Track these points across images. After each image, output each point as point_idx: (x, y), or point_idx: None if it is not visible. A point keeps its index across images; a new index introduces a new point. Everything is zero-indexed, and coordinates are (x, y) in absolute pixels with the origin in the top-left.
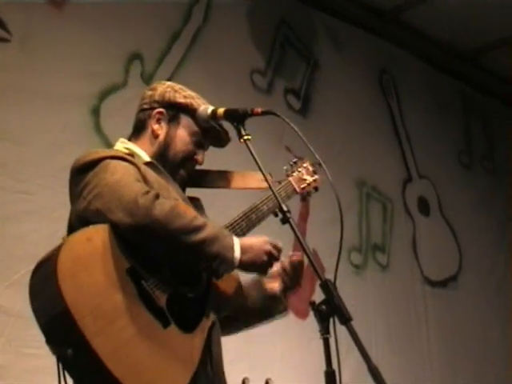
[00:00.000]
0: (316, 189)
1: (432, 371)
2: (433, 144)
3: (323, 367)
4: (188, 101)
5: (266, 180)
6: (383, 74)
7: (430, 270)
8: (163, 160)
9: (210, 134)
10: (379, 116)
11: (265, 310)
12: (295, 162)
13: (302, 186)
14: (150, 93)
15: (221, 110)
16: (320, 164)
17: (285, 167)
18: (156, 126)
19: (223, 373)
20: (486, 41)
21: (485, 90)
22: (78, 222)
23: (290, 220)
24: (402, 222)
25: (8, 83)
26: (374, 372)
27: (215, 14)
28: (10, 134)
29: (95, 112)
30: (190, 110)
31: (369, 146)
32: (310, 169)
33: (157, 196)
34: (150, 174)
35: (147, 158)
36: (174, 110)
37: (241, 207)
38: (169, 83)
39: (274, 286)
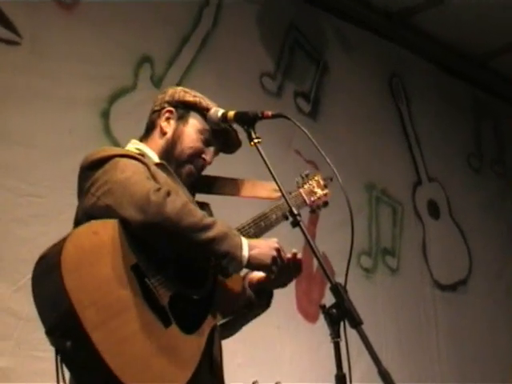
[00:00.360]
0: (326, 203)
1: (441, 374)
2: (443, 147)
3: (333, 371)
4: (197, 99)
5: (278, 184)
6: (393, 77)
7: (439, 273)
8: (170, 156)
9: (220, 135)
10: (389, 119)
11: (252, 306)
12: (307, 175)
13: (313, 199)
14: (161, 96)
15: (231, 113)
16: (332, 179)
17: (296, 179)
18: (164, 124)
19: (222, 377)
20: (496, 44)
21: (495, 93)
22: (84, 218)
23: (301, 223)
24: (412, 226)
25: (17, 85)
26: (384, 375)
27: (225, 17)
28: (19, 137)
29: (105, 115)
30: (199, 108)
31: (378, 149)
32: (322, 182)
33: (168, 193)
34: (160, 174)
35: (157, 159)
36: (184, 109)
37: (248, 215)
38: (180, 87)
39: (262, 277)
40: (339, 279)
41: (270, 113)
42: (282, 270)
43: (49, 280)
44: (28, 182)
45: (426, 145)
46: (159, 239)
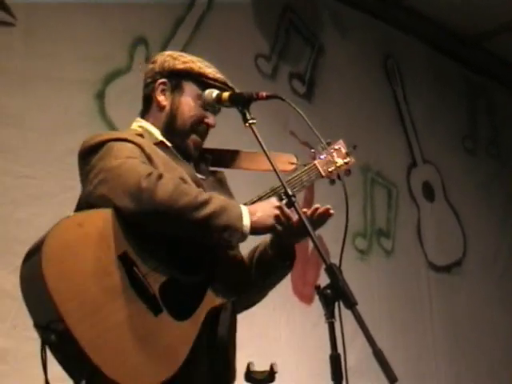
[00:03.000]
0: (348, 172)
1: (436, 355)
2: (437, 129)
3: (328, 352)
4: (188, 66)
5: (272, 165)
6: (388, 59)
7: (434, 255)
8: (172, 130)
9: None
10: (384, 101)
11: (273, 267)
12: (328, 143)
13: (330, 170)
14: (151, 66)
15: (226, 94)
16: (355, 147)
17: (312, 150)
18: (161, 98)
19: (230, 356)
20: (490, 25)
21: (490, 74)
22: (84, 205)
23: (296, 204)
24: (407, 208)
25: (12, 67)
26: (378, 355)
27: None
28: (14, 119)
29: (100, 96)
30: (191, 75)
31: (373, 131)
32: (343, 151)
33: (160, 176)
34: (158, 154)
35: (160, 137)
36: (176, 78)
37: (251, 189)
38: (168, 52)
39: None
40: (334, 260)
41: (264, 94)
42: (290, 227)
43: (32, 275)
44: (23, 163)
45: (420, 126)
46: (158, 224)
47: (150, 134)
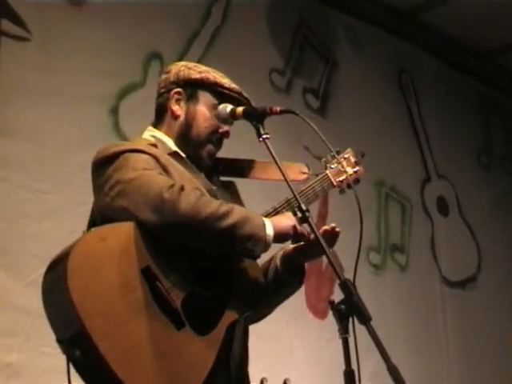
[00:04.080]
0: (357, 181)
1: (450, 371)
2: (452, 144)
3: (342, 367)
4: (203, 75)
5: (287, 181)
6: (402, 74)
7: (448, 270)
8: (187, 140)
9: (232, 102)
10: (398, 115)
11: (282, 283)
12: (337, 152)
13: (340, 179)
14: (165, 76)
15: (240, 109)
16: (363, 155)
17: (323, 159)
18: (176, 107)
19: (244, 371)
20: (504, 40)
21: (504, 89)
22: (99, 217)
23: (309, 219)
24: (421, 223)
25: (27, 82)
26: (393, 371)
27: (234, 13)
28: (28, 133)
29: (114, 111)
30: (206, 84)
31: (387, 146)
32: (352, 160)
33: (182, 188)
34: (173, 164)
35: (173, 147)
36: (191, 88)
37: (263, 198)
38: (182, 63)
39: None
40: (348, 275)
41: (278, 109)
42: (306, 241)
43: (56, 290)
44: (38, 178)
45: (435, 141)
46: (180, 237)
47: (164, 143)
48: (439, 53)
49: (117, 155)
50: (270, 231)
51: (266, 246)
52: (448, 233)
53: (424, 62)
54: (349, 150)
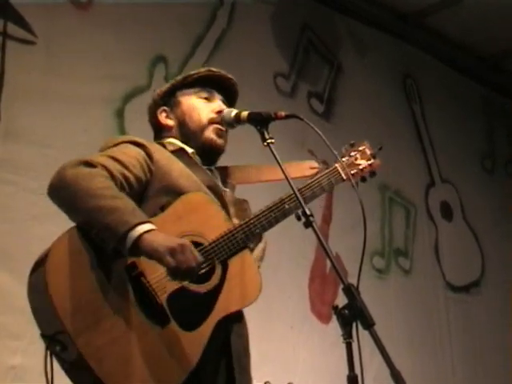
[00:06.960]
0: (373, 174)
1: (454, 376)
2: (456, 149)
3: (346, 372)
4: (171, 82)
5: (290, 185)
6: (406, 78)
7: (452, 275)
8: (190, 134)
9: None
10: (402, 119)
11: None
12: (351, 145)
13: (353, 172)
14: (149, 105)
15: (244, 114)
16: (381, 148)
17: (336, 152)
18: (168, 121)
19: (246, 364)
20: (509, 45)
21: (509, 94)
22: None
23: (313, 224)
24: (425, 227)
25: (32, 85)
26: (396, 377)
27: (239, 17)
28: (35, 137)
29: (119, 114)
30: (179, 85)
31: (392, 150)
32: (368, 152)
33: (97, 166)
34: (172, 161)
35: (180, 144)
36: (169, 97)
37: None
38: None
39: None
40: (352, 280)
41: (283, 113)
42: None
43: (37, 290)
44: (43, 180)
45: (439, 146)
46: (53, 198)
47: (171, 143)
48: (444, 57)
49: (115, 145)
50: (135, 233)
51: (120, 244)
52: (452, 237)
53: (429, 65)
54: (365, 142)
